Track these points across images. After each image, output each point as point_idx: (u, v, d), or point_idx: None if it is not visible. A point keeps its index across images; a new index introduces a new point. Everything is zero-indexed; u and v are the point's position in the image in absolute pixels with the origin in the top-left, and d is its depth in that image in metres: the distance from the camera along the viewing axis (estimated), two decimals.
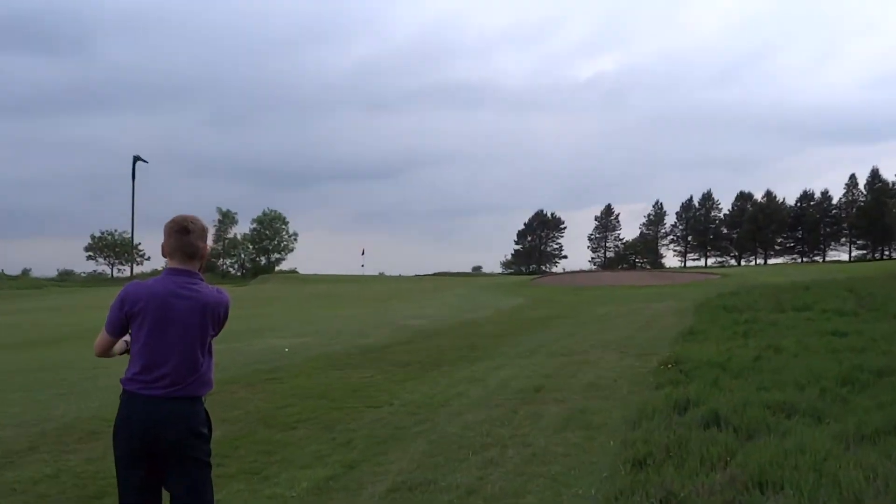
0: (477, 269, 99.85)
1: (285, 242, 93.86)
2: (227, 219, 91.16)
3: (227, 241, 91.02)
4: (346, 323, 20.25)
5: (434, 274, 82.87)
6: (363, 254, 71.28)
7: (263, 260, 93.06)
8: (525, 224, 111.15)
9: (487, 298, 32.55)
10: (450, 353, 12.34)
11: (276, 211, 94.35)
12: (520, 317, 21.01)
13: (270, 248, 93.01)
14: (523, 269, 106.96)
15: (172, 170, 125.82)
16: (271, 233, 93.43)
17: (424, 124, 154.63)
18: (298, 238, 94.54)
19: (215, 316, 3.14)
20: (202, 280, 3.17)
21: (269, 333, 17.26)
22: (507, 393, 8.34)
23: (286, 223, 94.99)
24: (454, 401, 7.98)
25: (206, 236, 3.23)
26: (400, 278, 68.04)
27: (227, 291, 3.27)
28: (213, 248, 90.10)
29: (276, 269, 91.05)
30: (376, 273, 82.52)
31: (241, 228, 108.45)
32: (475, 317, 21.33)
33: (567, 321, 18.88)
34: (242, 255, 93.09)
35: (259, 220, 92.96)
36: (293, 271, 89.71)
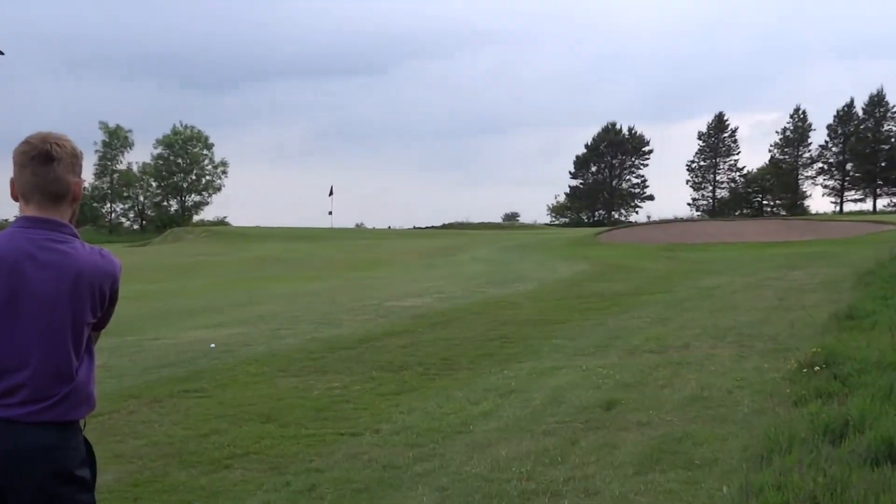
0: (511, 218, 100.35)
1: (208, 177, 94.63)
2: (116, 140, 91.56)
3: (116, 177, 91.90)
4: (305, 304, 20.41)
5: (444, 227, 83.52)
6: (331, 194, 70.65)
7: (174, 205, 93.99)
8: (587, 146, 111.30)
9: (528, 264, 32.63)
10: (469, 351, 12.44)
11: (193, 128, 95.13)
12: (579, 293, 21.11)
13: (185, 186, 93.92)
14: (584, 217, 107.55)
15: (31, 65, 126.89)
16: (186, 162, 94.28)
17: None
18: (229, 171, 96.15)
19: (96, 292, 3.07)
20: (75, 236, 3.10)
21: (186, 321, 17.39)
22: (562, 412, 8.36)
23: (209, 147, 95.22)
24: (477, 425, 8.02)
25: (79, 166, 3.16)
26: (390, 234, 68.50)
27: (116, 255, 3.21)
28: (92, 187, 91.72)
29: (195, 218, 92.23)
30: (352, 225, 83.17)
31: (139, 155, 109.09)
32: (508, 293, 21.54)
33: (655, 299, 18.91)
34: (142, 198, 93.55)
35: (167, 143, 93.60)
36: (221, 222, 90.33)
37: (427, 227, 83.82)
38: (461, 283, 24.83)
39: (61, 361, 3.01)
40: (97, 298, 3.11)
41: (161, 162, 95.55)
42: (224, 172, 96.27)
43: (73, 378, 3.04)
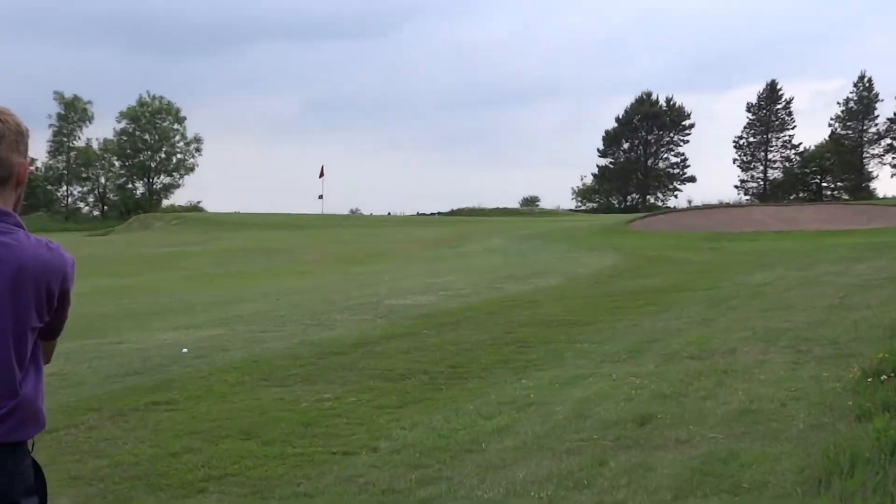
0: (531, 203, 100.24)
1: (179, 156, 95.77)
2: (73, 113, 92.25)
3: (73, 155, 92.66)
4: (291, 302, 20.50)
5: (452, 213, 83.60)
6: (322, 176, 70.58)
7: (140, 188, 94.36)
8: (618, 120, 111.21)
9: (549, 256, 32.69)
10: (481, 357, 12.51)
11: (162, 99, 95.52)
12: (609, 289, 21.16)
13: (153, 166, 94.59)
14: (614, 202, 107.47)
15: None
16: (154, 138, 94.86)
17: None
18: (204, 148, 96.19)
19: (43, 292, 3.02)
20: (19, 226, 3.06)
21: (154, 321, 17.46)
22: (588, 428, 8.38)
23: (181, 121, 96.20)
24: (490, 442, 8.05)
25: (24, 145, 3.11)
26: (390, 221, 68.55)
27: (73, 245, 3.20)
28: (45, 167, 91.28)
29: (164, 203, 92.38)
30: (346, 212, 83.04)
31: (100, 131, 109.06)
32: (527, 290, 21.66)
33: (696, 297, 18.93)
34: (103, 180, 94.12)
35: (132, 116, 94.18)
36: (195, 208, 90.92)
37: (433, 214, 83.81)
38: (472, 279, 24.89)
39: (2, 373, 2.98)
40: (44, 299, 3.04)
41: (125, 138, 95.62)
42: (198, 150, 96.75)
43: (17, 393, 2.99)
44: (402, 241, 43.92)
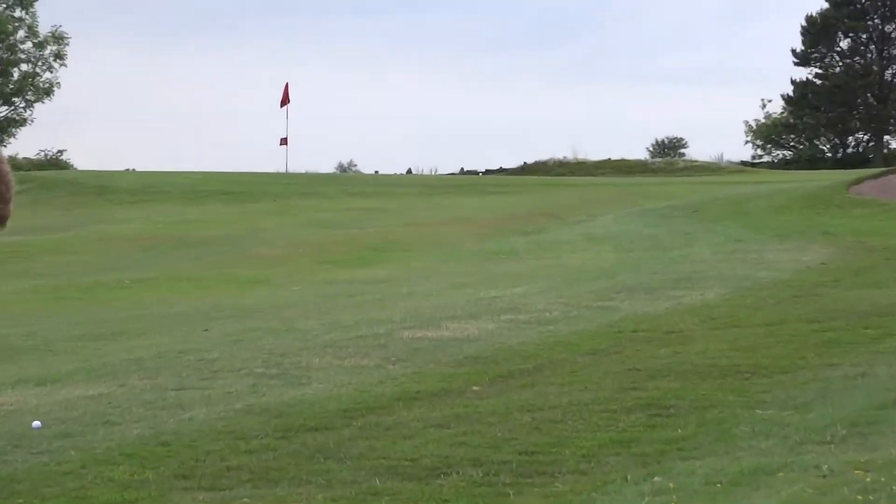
0: (669, 150, 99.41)
1: (25, 67, 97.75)
2: None
3: None
4: (229, 334, 20.59)
5: (524, 170, 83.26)
6: (285, 103, 70.18)
7: None
8: (820, 14, 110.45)
9: (702, 248, 32.34)
10: (580, 434, 12.45)
11: None
12: (814, 308, 21.05)
13: None
14: (824, 147, 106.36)
15: None
16: None
17: None
18: (68, 54, 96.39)
19: None
20: None
21: None
22: None
23: (27, 4, 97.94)
24: None
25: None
26: (409, 185, 68.11)
27: None
28: None
29: None
30: (331, 168, 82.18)
31: None
32: (662, 311, 21.75)
33: None
34: None
35: None
36: (54, 162, 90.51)
37: (488, 173, 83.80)
38: (562, 290, 24.83)
39: None
40: None
41: None
42: (59, 58, 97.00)
43: None
44: (432, 223, 43.87)
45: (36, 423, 13.57)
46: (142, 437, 12.88)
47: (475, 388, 14.99)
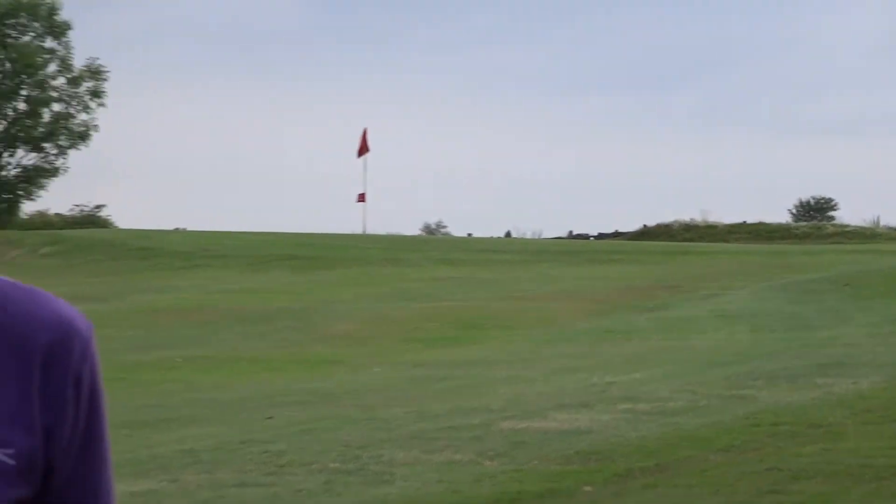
0: (815, 211, 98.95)
1: (59, 107, 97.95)
2: None
3: None
4: (297, 424, 20.67)
5: (643, 234, 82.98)
6: (363, 152, 70.38)
7: None
8: None
9: (858, 328, 32.06)
10: None
11: None
12: None
13: (15, 130, 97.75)
14: None
15: None
16: (3, 66, 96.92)
17: None
18: (108, 92, 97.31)
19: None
20: None
21: None
22: None
23: (60, 31, 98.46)
24: None
25: None
26: (509, 250, 68.18)
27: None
28: None
29: (26, 208, 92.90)
30: (416, 230, 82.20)
31: None
32: (808, 401, 21.39)
33: None
34: None
35: None
36: (92, 219, 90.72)
37: (603, 237, 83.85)
38: (688, 376, 24.79)
39: None
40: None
41: None
42: (97, 96, 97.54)
43: None
44: (535, 296, 43.95)
45: None
46: None
47: (587, 488, 15.05)
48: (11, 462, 2.72)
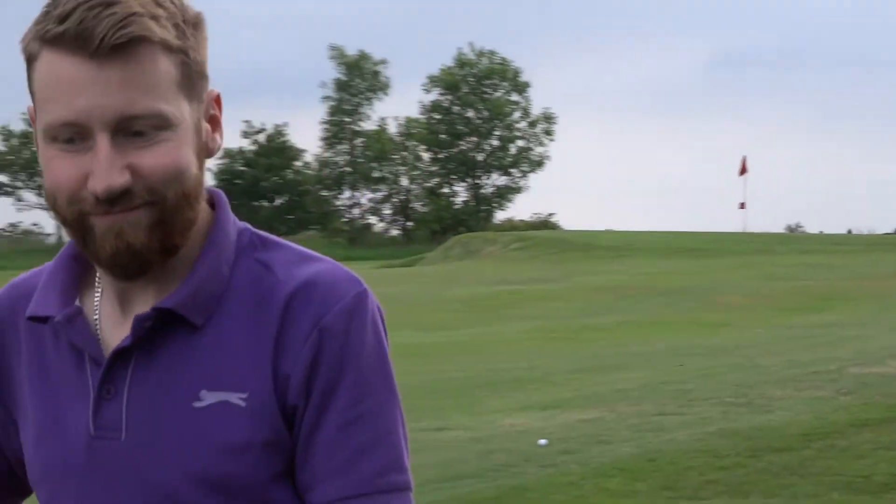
0: None
1: (521, 143, 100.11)
2: (359, 78, 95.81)
3: (359, 144, 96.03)
4: (699, 368, 20.87)
5: None
6: (744, 172, 69.78)
7: (462, 193, 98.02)
8: None
9: None
10: None
11: (493, 54, 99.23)
12: None
13: (481, 159, 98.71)
14: None
15: None
16: (482, 116, 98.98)
17: None
18: (556, 130, 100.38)
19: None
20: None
21: (490, 399, 18.26)
22: None
23: (521, 88, 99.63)
24: None
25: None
26: (853, 243, 66.65)
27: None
28: (317, 162, 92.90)
29: (499, 216, 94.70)
30: (780, 229, 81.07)
31: (399, 105, 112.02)
32: None
33: None
34: (405, 182, 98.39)
35: (447, 82, 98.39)
36: (545, 223, 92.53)
37: None
38: None
39: None
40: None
41: (438, 117, 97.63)
42: (549, 134, 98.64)
43: None
44: (873, 277, 43.05)
45: (542, 441, 14.08)
46: (631, 454, 13.23)
47: None
48: (243, 404, 2.39)
